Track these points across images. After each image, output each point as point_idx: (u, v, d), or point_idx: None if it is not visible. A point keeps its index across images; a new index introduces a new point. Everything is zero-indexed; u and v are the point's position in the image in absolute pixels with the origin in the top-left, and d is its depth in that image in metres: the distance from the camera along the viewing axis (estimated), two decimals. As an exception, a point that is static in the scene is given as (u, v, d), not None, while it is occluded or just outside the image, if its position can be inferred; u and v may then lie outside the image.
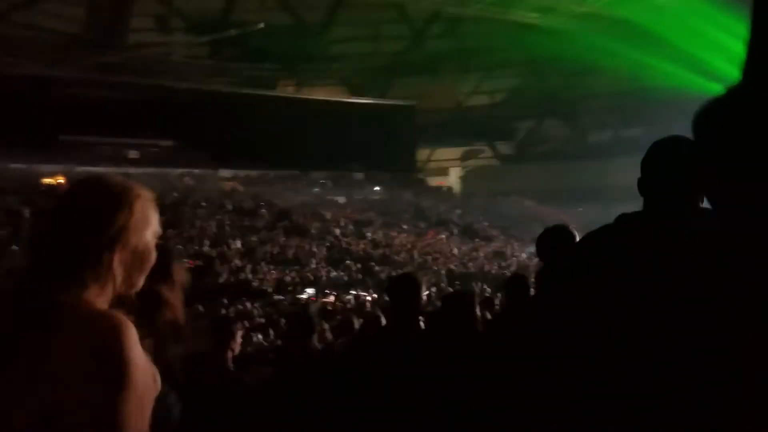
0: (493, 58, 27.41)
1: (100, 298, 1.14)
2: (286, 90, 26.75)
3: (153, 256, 1.23)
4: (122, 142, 21.68)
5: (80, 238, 1.14)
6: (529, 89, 29.15)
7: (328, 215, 19.89)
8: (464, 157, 30.78)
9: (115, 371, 1.04)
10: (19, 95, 19.53)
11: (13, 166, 18.61)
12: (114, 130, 21.11)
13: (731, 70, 21.03)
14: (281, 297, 13.64)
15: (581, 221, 23.15)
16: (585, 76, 25.97)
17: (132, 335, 1.08)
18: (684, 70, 20.69)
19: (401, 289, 3.27)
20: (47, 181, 19.96)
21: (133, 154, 21.58)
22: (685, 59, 20.48)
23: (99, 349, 1.05)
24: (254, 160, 21.86)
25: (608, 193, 24.99)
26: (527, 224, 22.33)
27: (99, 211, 1.17)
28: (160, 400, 1.15)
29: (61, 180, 20.11)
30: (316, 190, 22.37)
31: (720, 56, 20.26)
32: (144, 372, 1.09)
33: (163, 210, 1.27)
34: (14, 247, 14.07)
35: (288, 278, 14.77)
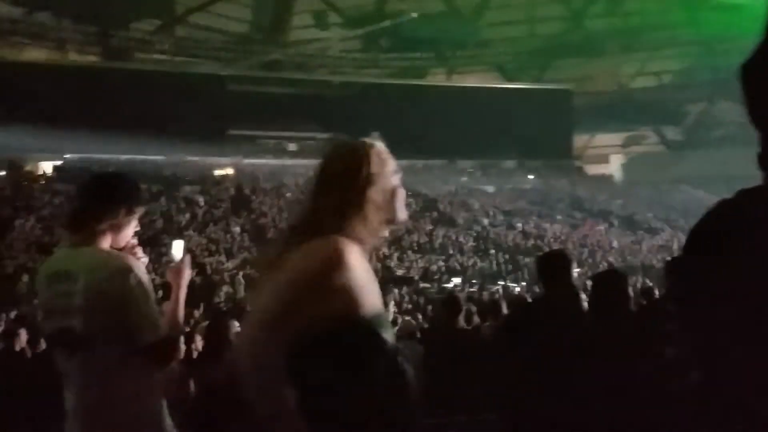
0: (660, 37, 25.33)
1: (356, 234, 1.46)
2: (437, 78, 26.71)
3: (400, 193, 1.57)
4: (282, 135, 22.98)
5: (331, 191, 1.50)
6: (700, 69, 26.58)
7: (476, 205, 19.57)
8: (626, 143, 28.78)
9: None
10: (194, 93, 21.38)
11: (189, 158, 20.39)
12: (276, 124, 22.43)
13: None
14: (427, 285, 13.67)
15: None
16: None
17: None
18: None
19: (551, 264, 3.10)
20: (218, 172, 21.73)
21: (292, 146, 22.78)
22: None
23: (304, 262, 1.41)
24: (403, 149, 22.05)
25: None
26: (696, 216, 20.39)
27: (341, 169, 1.53)
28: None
29: (229, 171, 21.79)
30: (464, 179, 22.12)
31: None
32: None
33: None
34: (191, 232, 15.43)
35: (434, 267, 14.76)
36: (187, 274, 2.19)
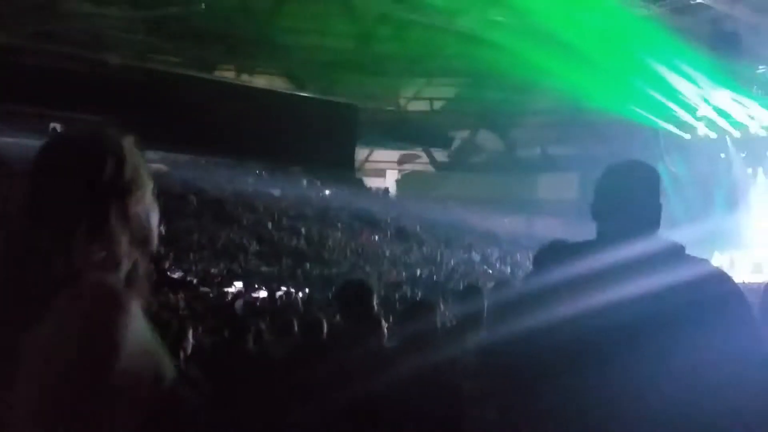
0: (436, 66, 27.63)
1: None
2: (226, 75, 25.96)
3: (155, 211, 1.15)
4: (45, 113, 20.40)
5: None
6: (468, 100, 29.57)
7: (262, 207, 19.42)
8: (401, 161, 30.91)
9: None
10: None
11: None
12: (39, 101, 19.86)
13: (663, 102, 22.08)
14: (207, 289, 13.19)
15: (508, 232, 23.73)
16: (521, 92, 26.57)
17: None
18: (617, 97, 21.55)
19: (353, 296, 3.14)
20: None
21: (56, 126, 20.33)
22: (620, 87, 21.33)
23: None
24: (187, 143, 21.00)
25: (534, 206, 25.91)
26: (459, 231, 22.69)
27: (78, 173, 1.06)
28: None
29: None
30: (251, 180, 21.80)
31: (657, 88, 21.25)
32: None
33: None
34: None
35: (215, 270, 14.31)
36: None
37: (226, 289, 13.21)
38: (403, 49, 27.20)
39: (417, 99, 30.13)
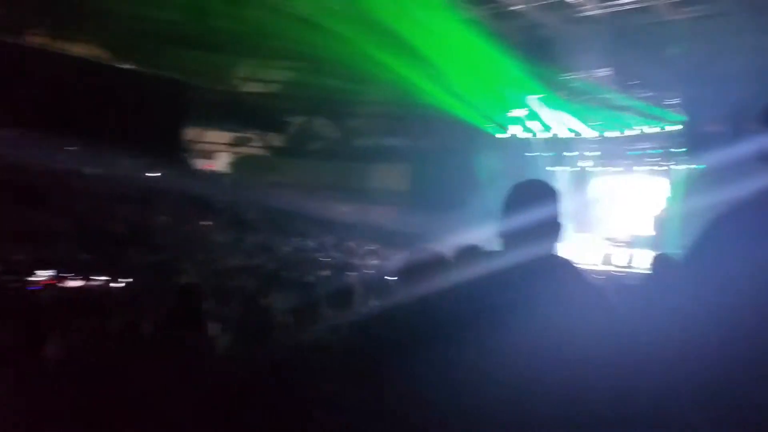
0: (273, 47, 27.10)
1: None
2: (36, 40, 23.30)
3: None
4: None
5: None
6: (304, 85, 29.43)
7: (76, 188, 17.80)
8: (234, 143, 30.01)
9: None
10: None
11: None
12: None
13: (481, 101, 23.73)
14: (11, 278, 11.88)
15: (343, 219, 24.17)
16: (358, 82, 27.01)
17: None
18: (441, 93, 22.78)
19: (189, 298, 3.11)
20: None
21: None
22: (434, 84, 22.59)
23: None
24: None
25: (368, 195, 26.64)
26: (294, 217, 22.61)
27: None
28: None
29: None
30: (63, 158, 19.83)
31: (477, 88, 22.75)
32: None
33: None
34: None
35: (21, 256, 12.94)
36: None
37: (32, 278, 11.96)
38: (236, 27, 26.31)
39: (251, 80, 29.35)
